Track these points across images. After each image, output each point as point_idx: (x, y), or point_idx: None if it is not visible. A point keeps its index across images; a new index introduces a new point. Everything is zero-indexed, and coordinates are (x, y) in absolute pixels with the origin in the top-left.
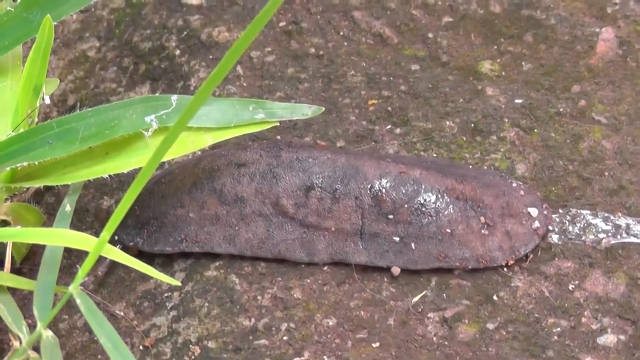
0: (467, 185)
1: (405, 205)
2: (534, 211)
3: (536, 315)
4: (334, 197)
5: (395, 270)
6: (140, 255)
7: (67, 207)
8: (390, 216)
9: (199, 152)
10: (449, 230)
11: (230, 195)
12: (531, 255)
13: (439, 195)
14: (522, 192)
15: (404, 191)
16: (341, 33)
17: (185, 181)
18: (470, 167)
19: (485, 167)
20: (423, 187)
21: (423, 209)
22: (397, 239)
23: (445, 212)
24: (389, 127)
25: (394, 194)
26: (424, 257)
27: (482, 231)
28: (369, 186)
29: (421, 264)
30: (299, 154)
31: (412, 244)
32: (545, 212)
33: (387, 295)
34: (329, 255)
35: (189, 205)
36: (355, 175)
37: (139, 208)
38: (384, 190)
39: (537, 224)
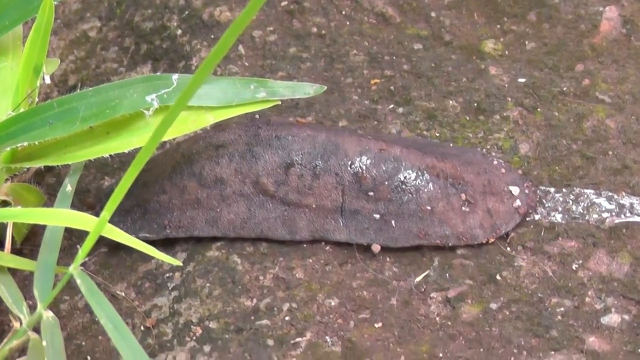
0: (447, 163)
1: (386, 183)
2: (515, 190)
3: (539, 295)
4: (314, 174)
5: (376, 248)
6: None
7: (68, 187)
8: (371, 193)
9: (200, 131)
10: (429, 208)
11: (210, 178)
12: (512, 234)
13: (419, 173)
14: (503, 170)
15: (384, 168)
16: (343, 12)
17: (166, 167)
18: (451, 145)
19: (488, 148)
20: (403, 164)
21: (403, 186)
22: (377, 216)
23: (426, 190)
24: (391, 106)
25: (375, 171)
26: (404, 235)
27: (463, 209)
28: (349, 163)
29: (401, 242)
30: (278, 132)
31: (393, 222)
32: (526, 191)
33: (390, 275)
34: (310, 233)
35: (171, 191)
36: (335, 152)
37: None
38: (364, 167)
39: (518, 202)
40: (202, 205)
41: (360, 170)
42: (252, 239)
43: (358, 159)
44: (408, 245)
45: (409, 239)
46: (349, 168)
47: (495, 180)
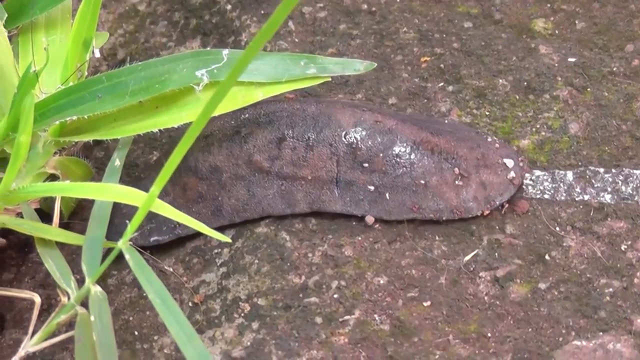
0: (441, 138)
1: (380, 155)
2: (509, 162)
3: (588, 275)
4: (307, 146)
5: (370, 220)
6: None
7: (117, 161)
8: (366, 165)
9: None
10: (422, 182)
11: (205, 169)
12: (507, 205)
13: (414, 147)
14: (497, 145)
15: (379, 140)
16: None
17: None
18: (446, 122)
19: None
20: (398, 137)
21: (397, 159)
22: (371, 188)
23: (420, 164)
24: (441, 84)
25: (370, 142)
26: (398, 208)
27: (457, 182)
28: (343, 133)
29: (395, 215)
30: (265, 109)
31: (387, 194)
32: (521, 164)
33: (439, 254)
34: (307, 205)
35: (172, 191)
36: (328, 123)
37: (126, 206)
38: (359, 138)
39: (512, 174)
40: (205, 198)
41: (354, 140)
42: (302, 215)
43: (352, 130)
44: (401, 218)
45: (402, 212)
46: (343, 138)
47: (489, 154)
